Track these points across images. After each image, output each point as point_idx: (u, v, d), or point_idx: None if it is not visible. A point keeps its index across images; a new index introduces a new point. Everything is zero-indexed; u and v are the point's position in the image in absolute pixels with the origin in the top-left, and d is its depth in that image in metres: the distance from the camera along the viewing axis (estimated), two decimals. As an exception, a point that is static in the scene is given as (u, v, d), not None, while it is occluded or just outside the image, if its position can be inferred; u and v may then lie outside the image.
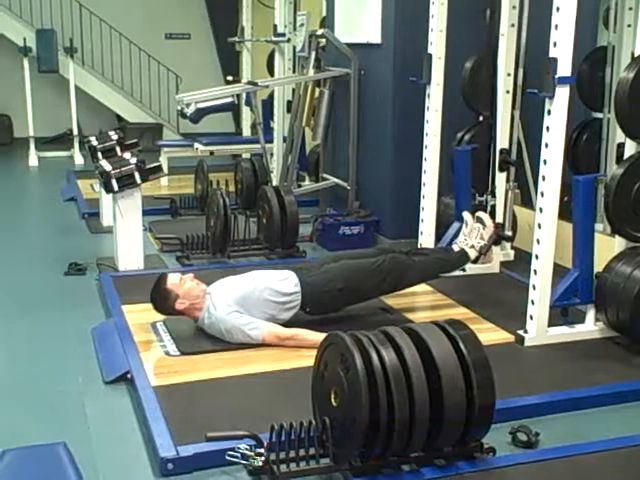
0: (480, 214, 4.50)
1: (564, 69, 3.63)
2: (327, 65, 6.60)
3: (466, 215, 4.55)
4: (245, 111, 9.40)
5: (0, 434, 3.02)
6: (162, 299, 3.86)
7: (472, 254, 4.34)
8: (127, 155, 5.25)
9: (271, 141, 7.58)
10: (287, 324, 3.89)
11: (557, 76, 3.62)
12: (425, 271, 4.27)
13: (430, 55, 4.84)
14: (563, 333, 3.96)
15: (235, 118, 10.80)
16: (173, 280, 3.87)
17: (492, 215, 4.80)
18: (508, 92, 4.85)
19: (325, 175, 6.82)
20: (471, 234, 4.40)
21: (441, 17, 4.78)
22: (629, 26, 5.04)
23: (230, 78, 9.14)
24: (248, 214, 5.82)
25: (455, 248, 4.39)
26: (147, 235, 5.87)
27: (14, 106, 10.73)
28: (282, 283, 3.95)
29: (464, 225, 4.52)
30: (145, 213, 5.31)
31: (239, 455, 2.71)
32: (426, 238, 5.10)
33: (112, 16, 11.16)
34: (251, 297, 3.85)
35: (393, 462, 2.71)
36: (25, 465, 2.29)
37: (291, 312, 3.95)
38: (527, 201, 5.63)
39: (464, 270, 4.73)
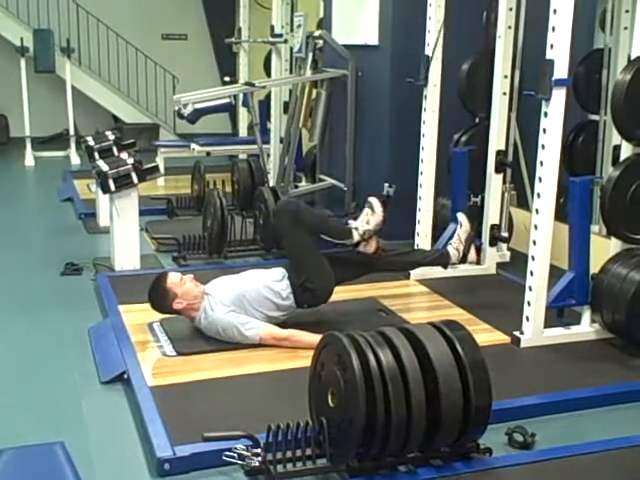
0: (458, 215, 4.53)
1: (561, 71, 3.64)
2: (324, 66, 6.59)
3: (460, 216, 4.56)
4: (242, 112, 9.39)
5: (-3, 434, 3.03)
6: (160, 297, 3.85)
7: (452, 252, 4.38)
8: (124, 155, 5.25)
9: (268, 142, 7.56)
10: (282, 325, 3.90)
11: (554, 78, 3.63)
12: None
13: (427, 56, 4.85)
14: (559, 334, 3.97)
15: (232, 119, 10.79)
16: (173, 279, 3.86)
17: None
18: (505, 94, 4.85)
19: (322, 176, 6.82)
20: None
21: (438, 19, 4.78)
22: (625, 28, 5.07)
23: (227, 79, 9.16)
24: (245, 215, 5.81)
25: (450, 250, 4.42)
26: (144, 235, 5.86)
27: (10, 106, 10.71)
28: (277, 284, 3.95)
29: (459, 226, 4.53)
30: (142, 213, 5.30)
31: (236, 455, 2.71)
32: (422, 239, 5.11)
33: (109, 16, 11.14)
34: (247, 297, 3.85)
35: (390, 462, 2.72)
36: (22, 465, 2.29)
37: (286, 312, 3.96)
38: (523, 202, 5.64)
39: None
